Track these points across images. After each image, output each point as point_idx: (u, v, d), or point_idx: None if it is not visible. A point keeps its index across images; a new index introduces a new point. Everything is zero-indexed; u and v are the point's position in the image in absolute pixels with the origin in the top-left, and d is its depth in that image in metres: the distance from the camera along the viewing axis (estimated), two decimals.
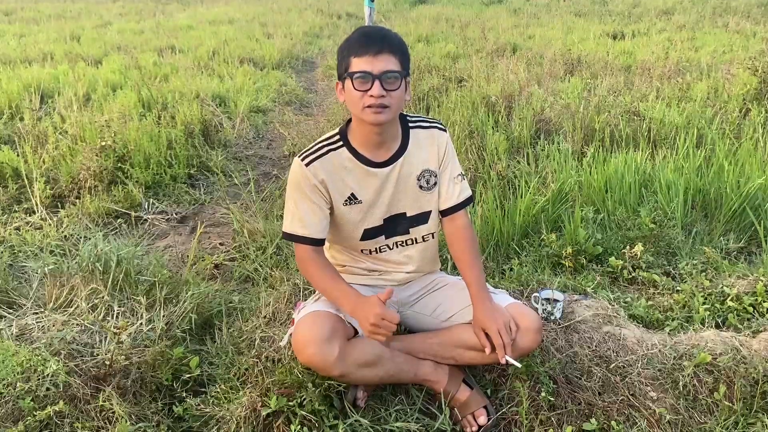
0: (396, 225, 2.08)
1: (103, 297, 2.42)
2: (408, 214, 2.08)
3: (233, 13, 18.06)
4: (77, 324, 2.31)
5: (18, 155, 4.42)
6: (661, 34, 11.54)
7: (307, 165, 1.94)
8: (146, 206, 4.08)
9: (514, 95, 5.74)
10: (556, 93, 6.16)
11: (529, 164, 4.22)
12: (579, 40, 10.70)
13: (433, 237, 2.16)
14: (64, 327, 2.27)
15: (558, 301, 2.40)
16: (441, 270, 2.34)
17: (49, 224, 3.62)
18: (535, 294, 2.47)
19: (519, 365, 1.93)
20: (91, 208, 3.86)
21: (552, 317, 2.40)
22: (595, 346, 2.30)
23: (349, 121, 1.99)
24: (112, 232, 3.74)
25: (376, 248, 2.11)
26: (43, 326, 2.29)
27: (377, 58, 1.78)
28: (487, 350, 1.92)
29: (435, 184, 2.07)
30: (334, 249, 2.19)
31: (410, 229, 2.11)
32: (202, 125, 5.27)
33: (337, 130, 2.01)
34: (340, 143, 1.97)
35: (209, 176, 4.61)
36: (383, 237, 2.09)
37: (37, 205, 3.82)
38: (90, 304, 2.41)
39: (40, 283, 2.56)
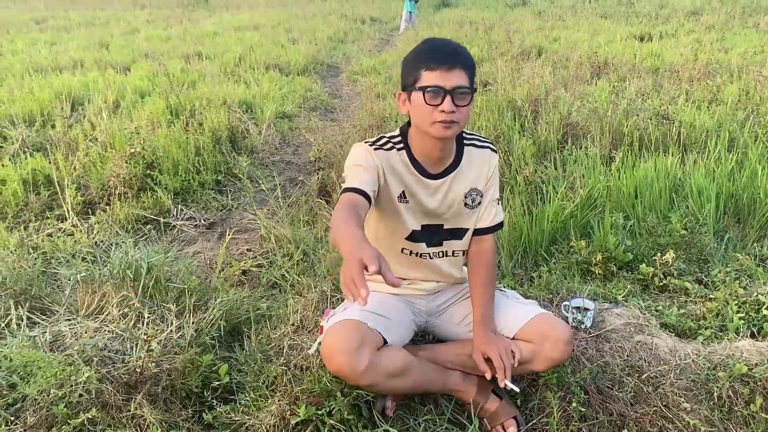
0: (431, 234, 2.08)
1: (133, 304, 2.45)
2: (445, 227, 2.08)
3: (258, 19, 18.20)
4: (109, 331, 2.34)
5: (50, 162, 4.50)
6: (690, 36, 11.37)
7: (374, 149, 1.94)
8: (175, 213, 4.12)
9: (541, 99, 5.69)
10: (583, 96, 6.10)
11: (556, 169, 4.18)
12: (605, 43, 10.59)
13: (463, 254, 2.16)
14: (96, 334, 2.30)
15: (589, 309, 2.37)
16: None
17: (81, 230, 3.67)
18: (565, 303, 2.44)
19: (518, 389, 1.95)
20: (120, 214, 3.91)
21: (582, 326, 2.37)
22: (627, 356, 2.26)
23: (409, 124, 1.99)
24: (142, 239, 3.79)
25: (418, 253, 2.11)
26: (75, 333, 2.33)
27: (450, 73, 1.77)
28: (488, 375, 1.92)
29: (479, 204, 2.08)
30: None
31: (444, 242, 2.11)
32: (229, 132, 5.32)
33: (398, 132, 2.01)
34: (402, 145, 1.98)
35: (236, 182, 4.65)
36: (425, 245, 2.08)
37: (68, 211, 3.88)
38: (121, 312, 2.44)
39: (73, 290, 2.60)
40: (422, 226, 2.06)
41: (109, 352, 2.21)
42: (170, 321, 2.39)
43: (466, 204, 2.06)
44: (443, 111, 1.78)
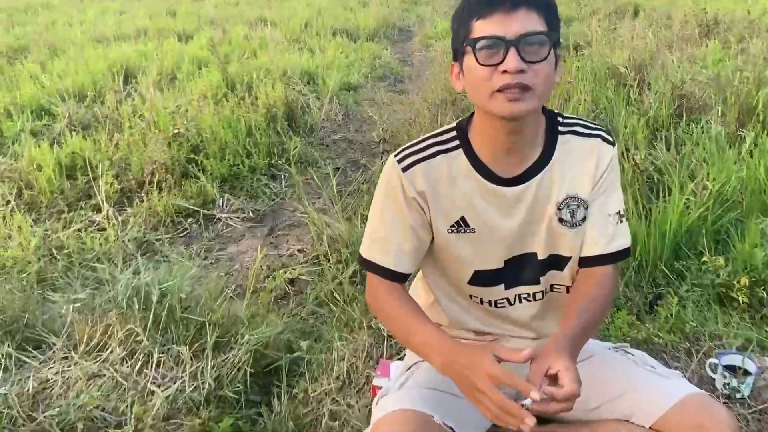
0: (521, 270, 1.40)
1: (141, 341, 1.95)
2: (539, 256, 1.41)
3: None
4: (109, 377, 1.86)
5: (93, 143, 4.11)
6: None
7: (404, 169, 1.31)
8: (220, 203, 3.63)
9: (645, 65, 4.85)
10: (693, 61, 5.21)
11: (669, 151, 3.40)
12: None
13: (567, 291, 1.48)
14: (91, 382, 1.83)
15: (749, 373, 1.69)
16: None
17: (113, 224, 3.25)
18: (712, 360, 1.76)
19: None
20: (159, 206, 3.46)
21: (738, 395, 1.69)
22: None
23: (472, 114, 1.35)
24: (181, 235, 3.33)
25: (489, 301, 1.48)
26: (67, 379, 1.85)
27: (511, 16, 1.13)
28: (534, 395, 1.15)
29: (583, 219, 1.39)
30: (429, 293, 1.56)
31: (541, 278, 1.45)
32: (287, 107, 4.77)
33: (454, 125, 1.36)
34: (456, 143, 1.33)
35: (291, 167, 4.12)
36: (503, 287, 1.44)
37: (102, 202, 3.45)
38: (127, 350, 1.95)
39: (74, 318, 2.13)
40: (506, 261, 1.39)
41: (100, 411, 1.72)
42: (185, 365, 1.88)
43: (561, 220, 1.36)
44: (506, 71, 1.14)
